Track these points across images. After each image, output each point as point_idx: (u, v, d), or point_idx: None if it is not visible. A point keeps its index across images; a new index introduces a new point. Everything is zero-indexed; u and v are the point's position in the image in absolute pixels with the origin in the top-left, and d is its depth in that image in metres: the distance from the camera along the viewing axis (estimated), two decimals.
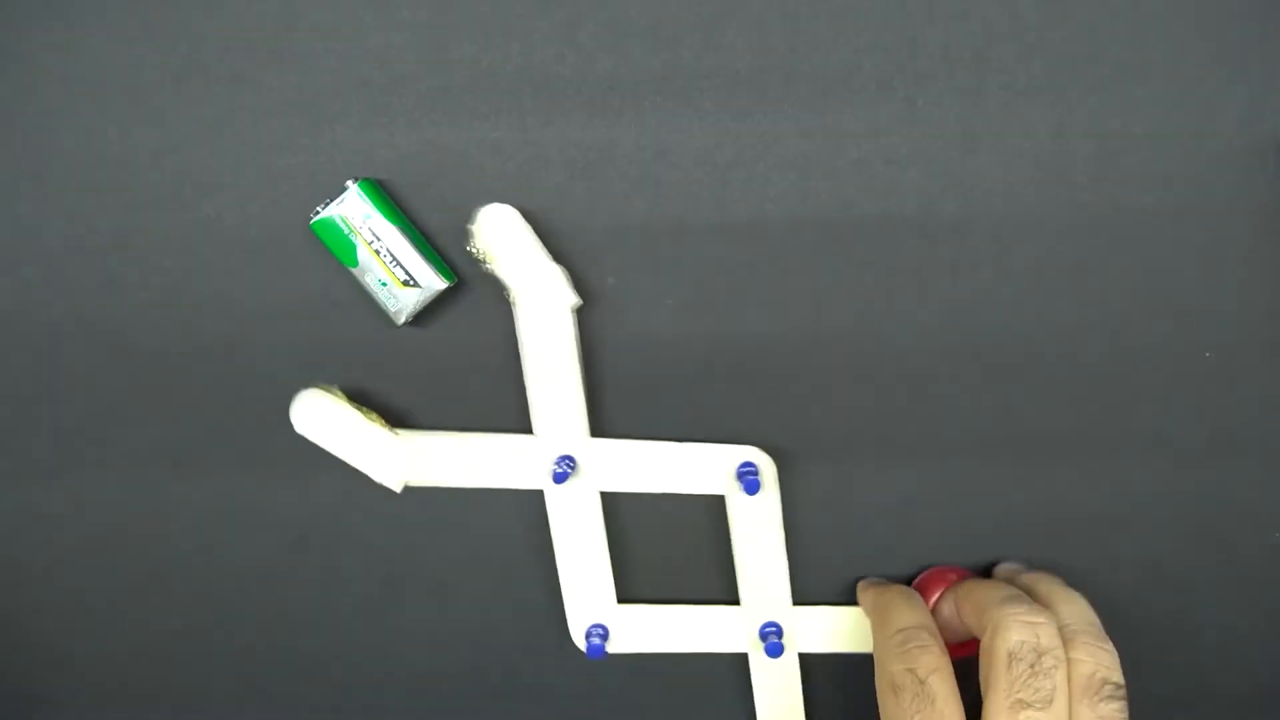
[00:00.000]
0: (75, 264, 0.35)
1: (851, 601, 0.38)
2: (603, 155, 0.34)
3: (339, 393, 0.35)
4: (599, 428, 0.36)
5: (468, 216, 0.34)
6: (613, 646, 0.38)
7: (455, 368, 0.36)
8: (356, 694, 0.40)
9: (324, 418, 0.35)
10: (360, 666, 0.40)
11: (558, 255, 0.35)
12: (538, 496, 0.37)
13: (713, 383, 0.36)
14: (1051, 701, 0.29)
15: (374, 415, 0.35)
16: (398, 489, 0.35)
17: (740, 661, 0.39)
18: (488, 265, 0.33)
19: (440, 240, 0.35)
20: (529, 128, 0.34)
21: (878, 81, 0.33)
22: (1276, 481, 0.36)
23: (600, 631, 0.37)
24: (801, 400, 0.36)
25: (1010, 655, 0.30)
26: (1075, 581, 0.35)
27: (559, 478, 0.35)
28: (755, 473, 0.35)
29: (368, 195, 0.33)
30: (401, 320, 0.34)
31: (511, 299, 0.33)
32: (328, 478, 0.37)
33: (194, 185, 0.35)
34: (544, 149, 0.33)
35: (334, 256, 0.34)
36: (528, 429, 0.36)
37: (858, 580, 0.38)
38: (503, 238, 0.33)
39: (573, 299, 0.33)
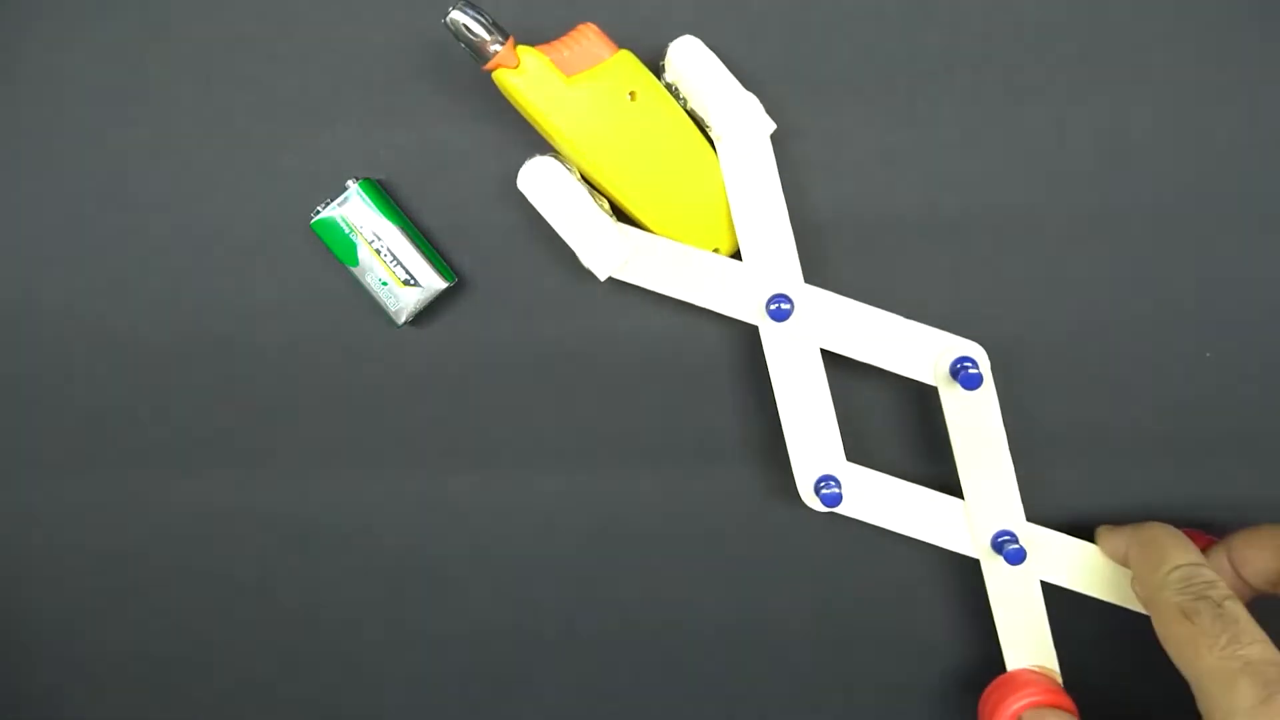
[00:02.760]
0: (75, 264, 0.35)
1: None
2: None
3: (574, 167, 0.32)
4: None
5: (469, 216, 0.34)
6: (847, 507, 0.34)
7: (455, 368, 0.36)
8: (356, 694, 0.40)
9: (553, 184, 0.31)
10: (360, 666, 0.40)
11: (556, 255, 0.35)
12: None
13: (715, 382, 0.36)
14: None
15: (602, 200, 0.33)
16: (602, 277, 0.32)
17: (962, 573, 0.38)
18: (684, 100, 0.32)
19: (440, 240, 0.35)
20: (529, 128, 0.34)
21: (878, 81, 0.33)
22: (1277, 482, 0.36)
23: (833, 483, 0.34)
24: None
25: None
26: None
27: (779, 315, 0.32)
28: (975, 366, 0.32)
29: (368, 195, 0.33)
30: (402, 320, 0.34)
31: (713, 133, 0.32)
32: (328, 478, 0.37)
33: (194, 185, 0.35)
34: (544, 149, 0.33)
35: (334, 256, 0.34)
36: (528, 430, 0.36)
37: (1096, 527, 0.36)
38: (695, 69, 0.31)
39: (771, 125, 0.32)
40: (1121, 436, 0.36)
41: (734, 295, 0.33)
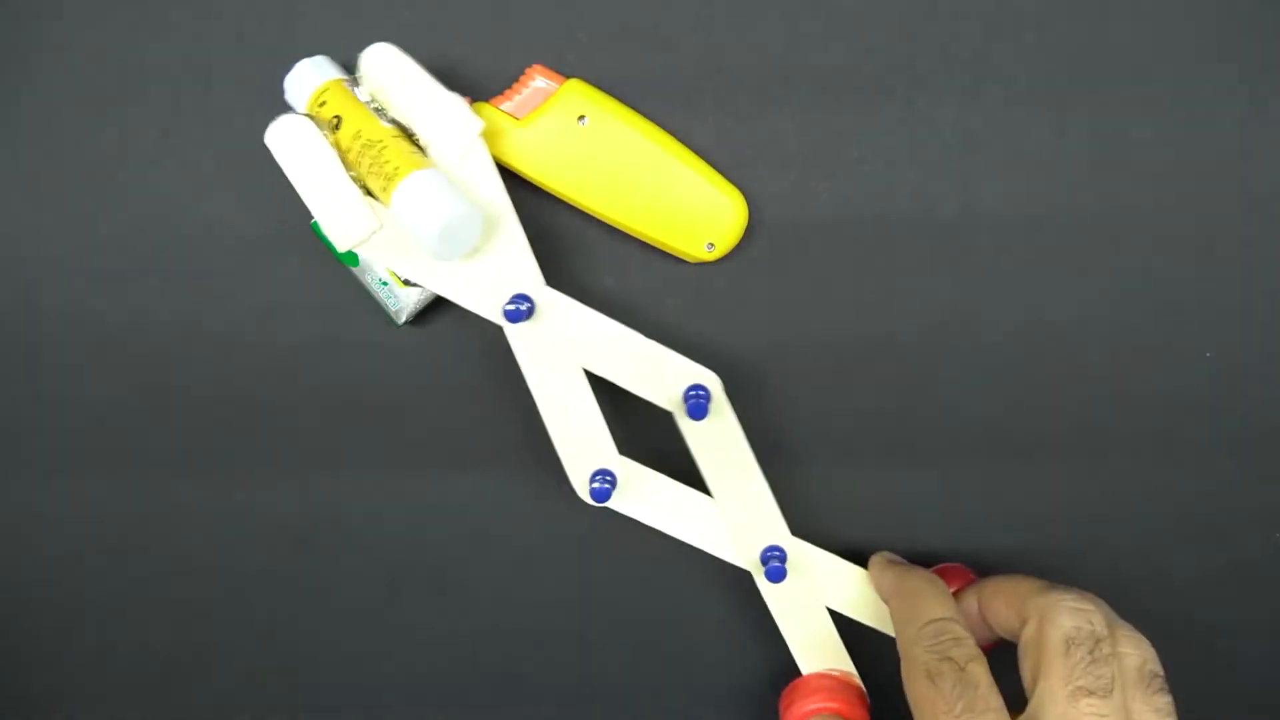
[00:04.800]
0: (75, 264, 0.35)
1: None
2: None
3: (330, 133, 0.30)
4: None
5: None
6: (619, 501, 0.34)
7: (455, 368, 0.36)
8: (356, 694, 0.40)
9: (301, 145, 0.29)
10: (360, 666, 0.40)
11: (557, 253, 0.35)
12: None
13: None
14: (1111, 690, 0.28)
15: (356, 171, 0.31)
16: (342, 248, 0.30)
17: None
18: (383, 110, 0.30)
19: None
20: None
21: (878, 81, 0.33)
22: (1277, 481, 0.36)
23: (606, 477, 0.33)
24: (803, 399, 0.36)
25: (1068, 641, 0.29)
26: (1082, 581, 0.35)
27: (514, 315, 0.31)
28: (705, 398, 0.32)
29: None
30: (402, 320, 0.34)
31: (421, 141, 0.30)
32: (328, 478, 0.37)
33: (194, 185, 0.35)
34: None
35: (334, 256, 0.34)
36: (529, 432, 0.36)
37: (870, 554, 0.37)
38: (392, 77, 0.30)
39: (478, 123, 0.30)
40: (1120, 437, 0.36)
41: (477, 292, 0.32)
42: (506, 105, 0.32)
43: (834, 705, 0.35)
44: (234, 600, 0.39)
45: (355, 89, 0.31)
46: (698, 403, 0.32)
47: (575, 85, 0.32)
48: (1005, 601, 0.32)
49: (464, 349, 0.36)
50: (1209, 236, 0.34)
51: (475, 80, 0.33)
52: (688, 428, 0.33)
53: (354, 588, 0.39)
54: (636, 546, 0.38)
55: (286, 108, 0.33)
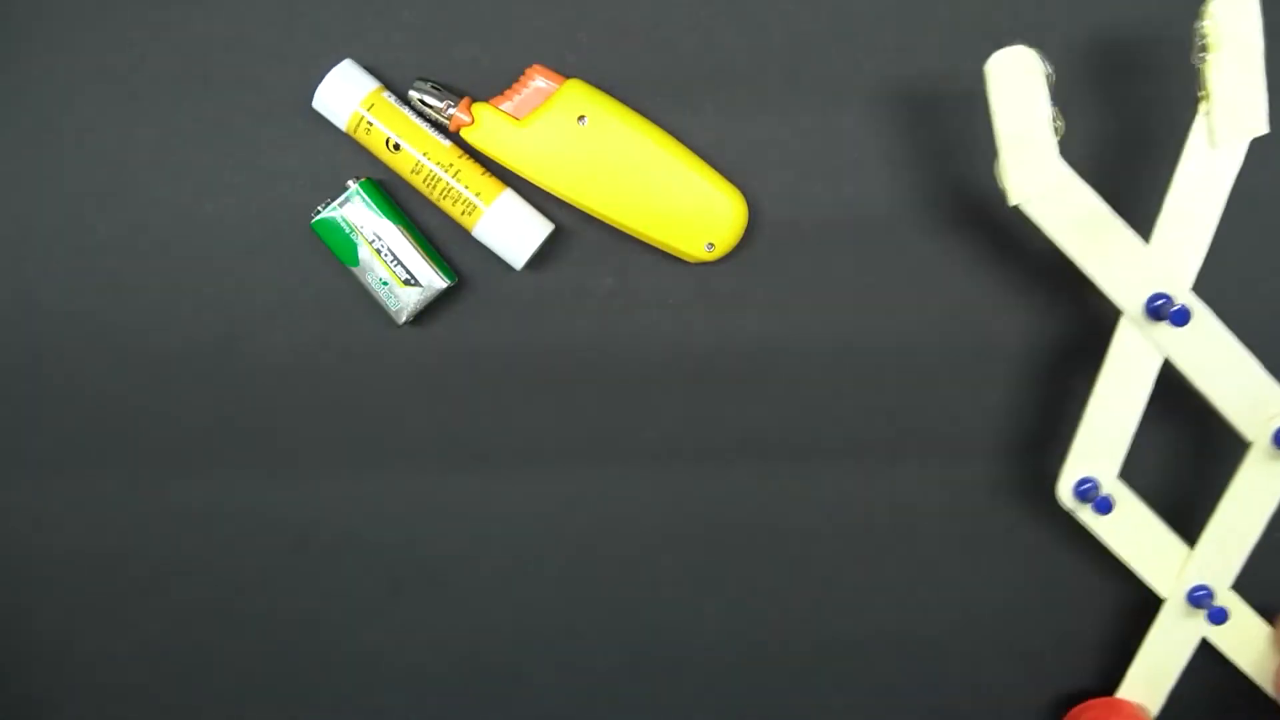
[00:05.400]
0: (75, 264, 0.35)
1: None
2: None
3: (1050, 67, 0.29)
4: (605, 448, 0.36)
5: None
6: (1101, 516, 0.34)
7: (455, 368, 0.36)
8: (356, 694, 0.40)
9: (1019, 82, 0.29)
10: (360, 666, 0.40)
11: (556, 255, 0.35)
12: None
13: (715, 383, 0.36)
14: None
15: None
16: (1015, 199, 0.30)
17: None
18: (1204, 54, 0.29)
19: (440, 240, 0.35)
20: None
21: (877, 81, 0.34)
22: None
23: (1094, 487, 0.33)
24: (803, 398, 0.36)
25: None
26: None
27: (1167, 315, 0.31)
28: None
29: (369, 195, 0.33)
30: (402, 320, 0.34)
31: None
32: (328, 478, 0.37)
33: (194, 185, 0.35)
34: None
35: (334, 256, 0.34)
36: (528, 430, 0.36)
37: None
38: (1239, 27, 0.29)
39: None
40: None
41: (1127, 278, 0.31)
42: (506, 105, 0.32)
43: None
44: (234, 600, 0.39)
45: (393, 98, 0.32)
46: None
47: (575, 85, 0.32)
48: None
49: (464, 349, 0.36)
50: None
51: (475, 80, 0.33)
52: (1261, 461, 0.33)
53: (354, 588, 0.39)
54: (637, 546, 0.38)
55: (294, 111, 0.34)
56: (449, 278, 0.34)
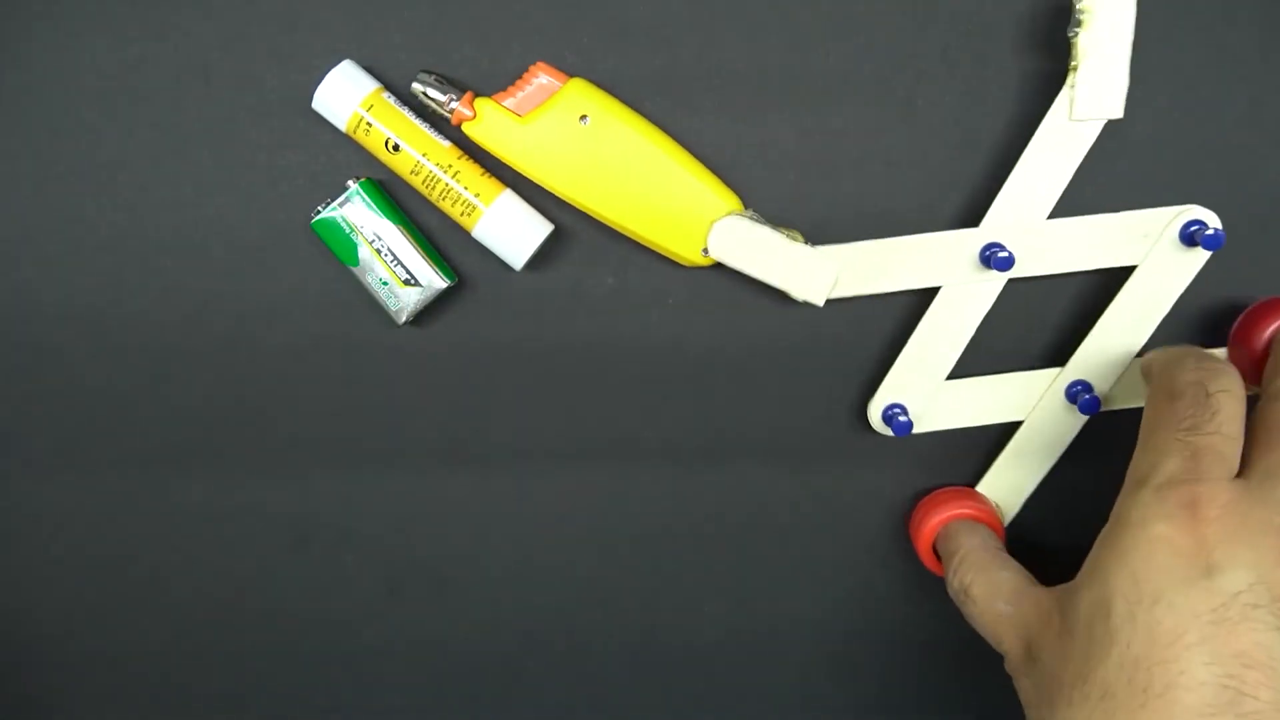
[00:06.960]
0: (75, 264, 0.35)
1: None
2: None
3: (751, 212, 0.33)
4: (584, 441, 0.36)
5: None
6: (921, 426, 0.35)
7: (455, 368, 0.36)
8: (356, 694, 0.40)
9: (742, 239, 0.32)
10: (360, 666, 0.40)
11: (556, 255, 0.35)
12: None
13: (715, 382, 0.36)
14: None
15: (795, 233, 0.33)
16: (820, 302, 0.33)
17: None
18: (1077, 30, 0.30)
19: (440, 240, 0.35)
20: None
21: (878, 81, 0.34)
22: None
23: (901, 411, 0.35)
24: (802, 399, 0.36)
25: None
26: None
27: (1002, 264, 0.32)
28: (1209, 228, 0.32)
29: (368, 195, 0.33)
30: (402, 320, 0.34)
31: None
32: (327, 478, 0.37)
33: (194, 185, 0.35)
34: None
35: (335, 256, 0.34)
36: (528, 430, 0.36)
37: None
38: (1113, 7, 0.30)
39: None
40: None
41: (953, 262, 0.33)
42: (509, 102, 0.32)
43: (986, 519, 0.35)
44: (233, 600, 0.39)
45: (393, 99, 0.32)
46: (1207, 236, 0.32)
47: (578, 85, 0.32)
48: None
49: (464, 349, 0.36)
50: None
51: (475, 81, 0.33)
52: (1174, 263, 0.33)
53: (354, 588, 0.39)
54: (637, 547, 0.38)
55: (294, 111, 0.34)
56: (449, 278, 0.34)
